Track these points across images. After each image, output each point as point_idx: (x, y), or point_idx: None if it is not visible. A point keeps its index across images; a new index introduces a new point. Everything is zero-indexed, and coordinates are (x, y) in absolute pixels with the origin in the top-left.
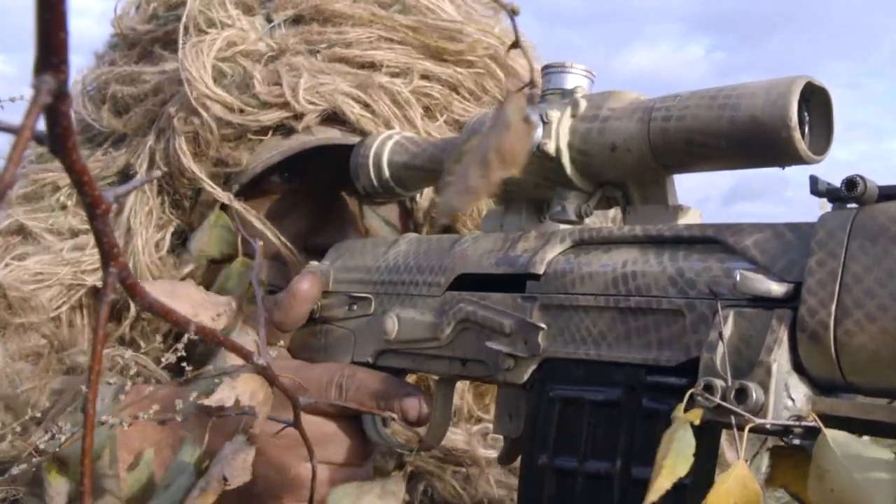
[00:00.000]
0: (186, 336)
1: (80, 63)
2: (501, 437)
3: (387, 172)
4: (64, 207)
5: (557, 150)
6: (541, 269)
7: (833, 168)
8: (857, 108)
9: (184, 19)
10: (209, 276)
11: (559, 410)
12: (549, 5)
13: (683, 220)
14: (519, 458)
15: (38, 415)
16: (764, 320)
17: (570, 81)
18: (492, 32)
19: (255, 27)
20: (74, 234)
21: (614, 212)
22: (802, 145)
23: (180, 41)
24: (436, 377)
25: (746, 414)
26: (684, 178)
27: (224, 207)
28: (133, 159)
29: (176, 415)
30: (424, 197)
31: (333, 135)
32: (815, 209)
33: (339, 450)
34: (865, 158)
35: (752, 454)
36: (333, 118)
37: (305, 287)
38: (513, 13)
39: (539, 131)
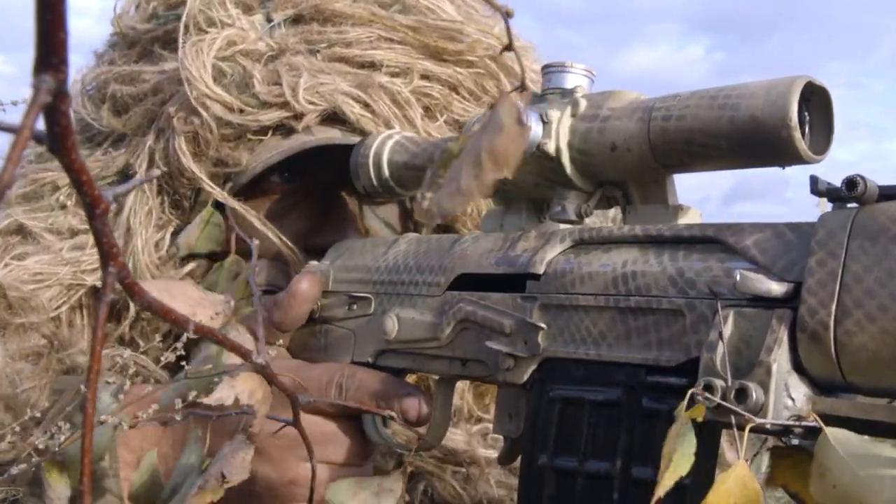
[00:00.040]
0: (186, 335)
1: (79, 62)
2: (501, 437)
3: (387, 172)
4: (63, 207)
5: (557, 149)
6: (541, 269)
7: (833, 168)
8: (857, 107)
9: (184, 18)
10: (208, 271)
11: (559, 410)
12: (549, 5)
13: (683, 220)
14: (519, 458)
15: (38, 415)
16: (764, 320)
17: (570, 81)
18: (491, 33)
19: (255, 27)
20: (74, 233)
21: (614, 212)
22: (802, 145)
23: (180, 40)
24: (436, 377)
25: (746, 414)
26: (684, 178)
27: (218, 206)
28: (133, 159)
29: (175, 414)
30: None
31: (333, 135)
32: (815, 209)
33: (338, 449)
34: (866, 158)
35: (753, 454)
36: (333, 118)
37: (305, 287)
38: (507, 15)
39: (539, 131)
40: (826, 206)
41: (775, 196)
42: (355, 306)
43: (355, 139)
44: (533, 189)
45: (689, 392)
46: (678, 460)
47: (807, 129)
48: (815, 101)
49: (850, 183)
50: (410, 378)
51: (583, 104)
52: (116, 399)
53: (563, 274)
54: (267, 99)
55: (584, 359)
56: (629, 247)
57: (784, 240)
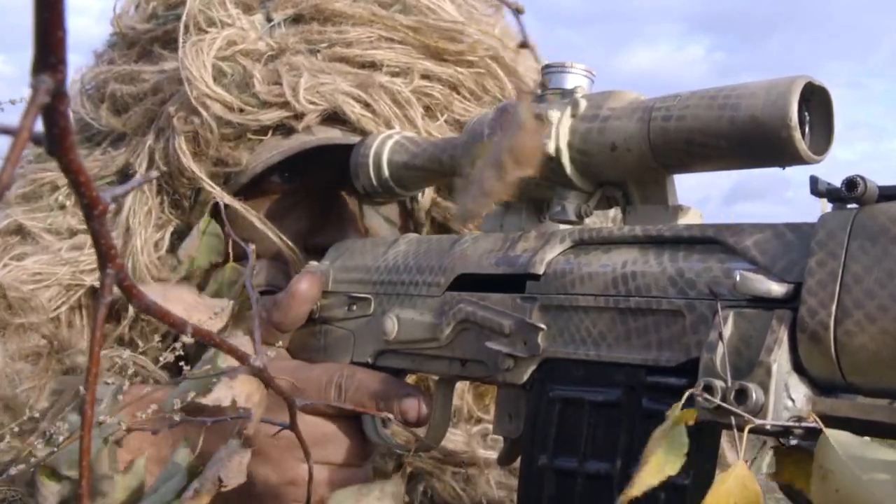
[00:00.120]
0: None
1: (79, 62)
2: (501, 437)
3: (386, 172)
4: (62, 207)
5: (557, 149)
6: (540, 270)
7: (834, 168)
8: (857, 107)
9: (184, 18)
10: (207, 276)
11: (559, 411)
12: (549, 5)
13: (683, 220)
14: (519, 459)
15: (37, 415)
16: (764, 321)
17: (570, 81)
18: (492, 33)
19: (255, 26)
20: (73, 233)
21: (614, 212)
22: (802, 145)
23: (180, 40)
24: (435, 377)
25: (746, 415)
26: (684, 178)
27: (215, 212)
28: (132, 159)
29: (174, 414)
30: (425, 197)
31: (334, 134)
32: (815, 209)
33: (338, 450)
34: (866, 158)
35: (753, 455)
36: (334, 118)
37: (304, 287)
38: (518, 12)
39: (545, 130)
40: (827, 206)
41: (775, 196)
42: (355, 307)
43: (355, 139)
44: (533, 189)
45: (688, 392)
46: (664, 461)
47: (807, 129)
48: (815, 101)
49: (850, 183)
50: (410, 378)
51: (583, 104)
52: (115, 400)
53: (563, 274)
54: (267, 99)
55: (584, 359)
56: (629, 247)
57: (784, 240)
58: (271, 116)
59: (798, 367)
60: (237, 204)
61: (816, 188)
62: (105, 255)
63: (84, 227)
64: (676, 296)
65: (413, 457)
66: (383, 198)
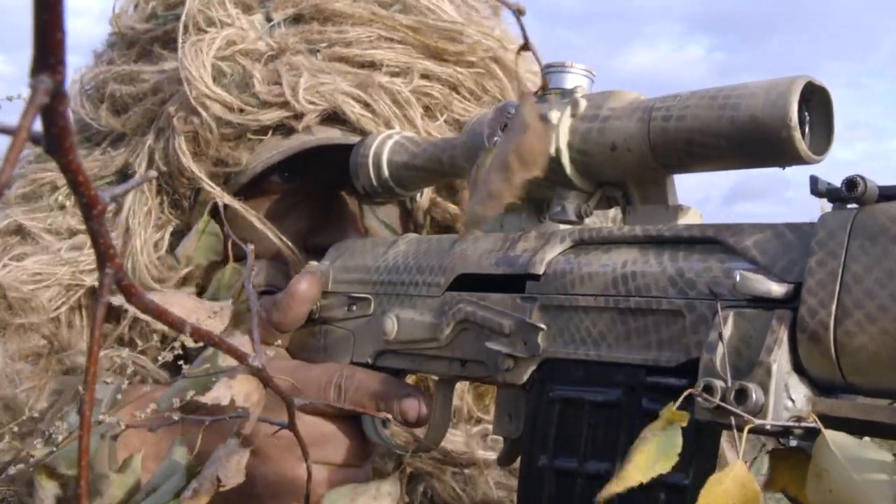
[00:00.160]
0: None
1: (78, 62)
2: (501, 438)
3: (386, 172)
4: (62, 207)
5: (557, 149)
6: (540, 270)
7: (834, 168)
8: (857, 107)
9: (183, 18)
10: (207, 278)
11: (559, 411)
12: (549, 5)
13: (683, 220)
14: (519, 459)
15: (37, 415)
16: (764, 321)
17: (570, 81)
18: (491, 34)
19: (255, 26)
20: (73, 233)
21: (614, 212)
22: (802, 145)
23: (179, 40)
24: (435, 378)
25: (746, 415)
26: (684, 178)
27: (214, 214)
28: (132, 159)
29: (173, 413)
30: (424, 197)
31: (333, 134)
32: (815, 209)
33: (338, 450)
34: (866, 158)
35: (753, 456)
36: (333, 118)
37: (304, 287)
38: (519, 13)
39: (551, 130)
40: (827, 206)
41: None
42: (355, 307)
43: (355, 139)
44: (533, 189)
45: (686, 392)
46: (658, 459)
47: (807, 129)
48: (815, 101)
49: (850, 183)
50: (410, 379)
51: (583, 104)
52: (115, 399)
53: (563, 274)
54: (267, 98)
55: (584, 359)
56: (629, 247)
57: (784, 240)
58: (271, 116)
59: (798, 368)
60: (237, 204)
61: (816, 188)
62: (104, 254)
63: (84, 227)
64: (676, 296)
65: (413, 457)
66: (383, 198)
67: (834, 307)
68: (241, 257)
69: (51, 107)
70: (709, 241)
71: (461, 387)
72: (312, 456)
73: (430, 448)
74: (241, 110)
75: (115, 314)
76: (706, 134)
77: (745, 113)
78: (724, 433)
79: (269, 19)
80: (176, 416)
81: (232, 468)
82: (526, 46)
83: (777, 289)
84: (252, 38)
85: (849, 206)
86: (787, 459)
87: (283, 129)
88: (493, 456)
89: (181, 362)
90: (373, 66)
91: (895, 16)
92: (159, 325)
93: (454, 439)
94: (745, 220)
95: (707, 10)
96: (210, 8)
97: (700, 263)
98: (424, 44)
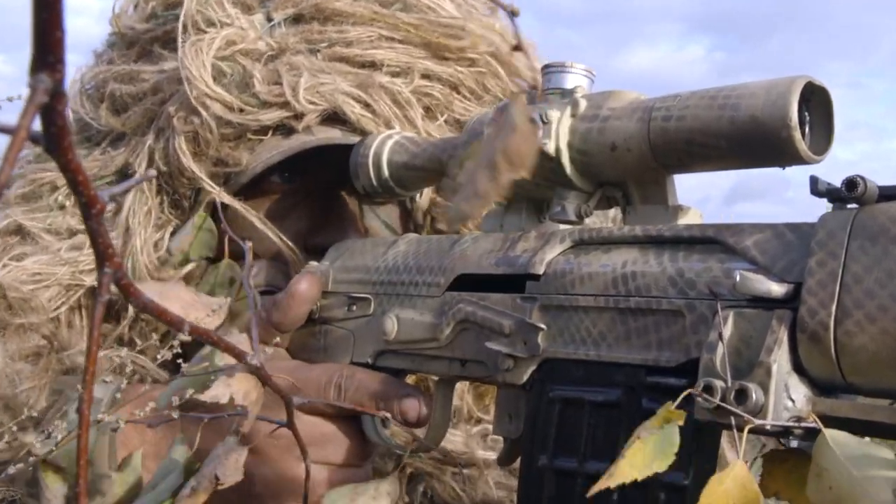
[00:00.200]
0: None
1: (78, 62)
2: (501, 438)
3: (386, 172)
4: (62, 207)
5: (557, 149)
6: (540, 270)
7: (834, 168)
8: (858, 107)
9: (181, 18)
10: (205, 275)
11: (559, 411)
12: (549, 5)
13: (683, 220)
14: (519, 459)
15: (36, 415)
16: (764, 321)
17: (570, 81)
18: (493, 29)
19: (255, 26)
20: (72, 233)
21: (614, 212)
22: (803, 145)
23: (179, 40)
24: (435, 378)
25: (746, 415)
26: (684, 178)
27: (212, 211)
28: (132, 158)
29: (172, 412)
30: (424, 197)
31: (334, 135)
32: (815, 209)
33: (337, 450)
34: (866, 158)
35: (754, 457)
36: (334, 118)
37: (304, 287)
38: (512, 14)
39: (539, 131)
40: (827, 206)
41: (775, 196)
42: (355, 307)
43: (355, 139)
44: (533, 189)
45: (686, 392)
46: (654, 457)
47: (807, 129)
48: (815, 101)
49: (850, 183)
50: (410, 379)
51: (583, 104)
52: (114, 399)
53: (563, 274)
54: (267, 98)
55: (584, 359)
56: (629, 247)
57: (784, 240)
58: (271, 116)
59: (798, 368)
60: (237, 204)
61: (816, 188)
62: (103, 254)
63: (83, 226)
64: (676, 296)
65: (412, 457)
66: (383, 198)
67: (834, 307)
68: (239, 256)
69: (50, 106)
70: (709, 241)
71: (461, 387)
72: (312, 456)
73: (430, 448)
74: (242, 110)
75: (114, 314)
76: (706, 134)
77: (745, 113)
78: (725, 433)
79: (269, 19)
80: (175, 415)
81: (230, 466)
82: (518, 47)
83: (777, 289)
84: (252, 37)
85: (849, 206)
86: (781, 464)
87: (284, 130)
88: (493, 456)
89: (180, 361)
90: (373, 66)
91: (895, 16)
92: (159, 324)
93: (454, 439)
94: (745, 220)
95: (707, 10)
96: (208, 8)
97: (700, 263)
98: (426, 41)
